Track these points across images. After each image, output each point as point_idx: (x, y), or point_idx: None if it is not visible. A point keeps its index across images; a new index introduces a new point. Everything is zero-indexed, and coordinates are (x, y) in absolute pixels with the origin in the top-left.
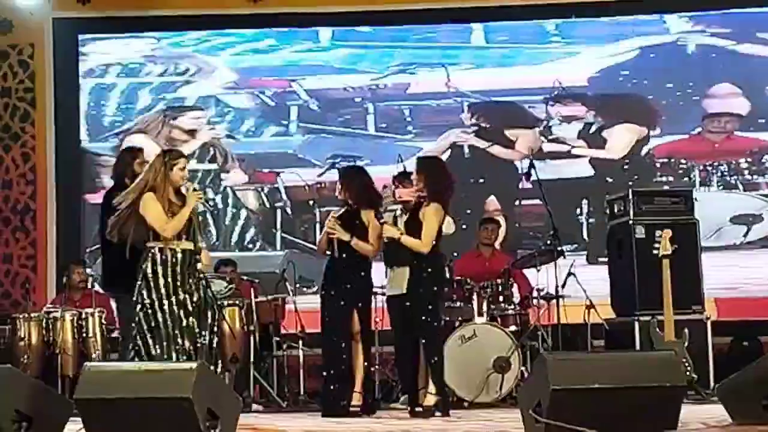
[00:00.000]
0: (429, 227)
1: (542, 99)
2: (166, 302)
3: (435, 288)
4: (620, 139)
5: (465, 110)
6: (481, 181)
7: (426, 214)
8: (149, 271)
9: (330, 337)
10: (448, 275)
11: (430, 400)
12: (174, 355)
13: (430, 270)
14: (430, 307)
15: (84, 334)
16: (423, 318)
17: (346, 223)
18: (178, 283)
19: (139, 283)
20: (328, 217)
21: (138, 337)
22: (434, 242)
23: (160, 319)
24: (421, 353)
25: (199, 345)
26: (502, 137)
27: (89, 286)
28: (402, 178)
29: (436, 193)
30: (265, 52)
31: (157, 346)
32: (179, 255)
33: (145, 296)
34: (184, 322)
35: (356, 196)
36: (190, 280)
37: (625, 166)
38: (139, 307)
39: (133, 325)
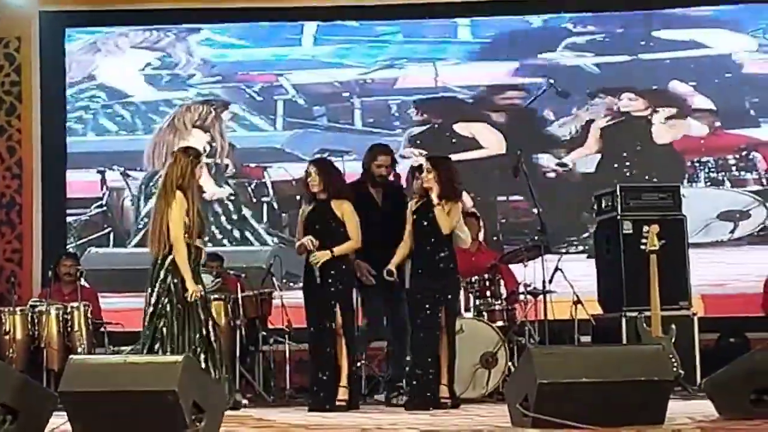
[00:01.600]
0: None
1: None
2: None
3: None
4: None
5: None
6: None
7: (452, 210)
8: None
9: (316, 333)
10: None
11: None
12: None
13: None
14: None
15: (69, 328)
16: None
17: (321, 223)
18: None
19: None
20: (306, 240)
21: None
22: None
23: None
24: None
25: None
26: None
27: (78, 280)
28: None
29: (453, 191)
30: (252, 46)
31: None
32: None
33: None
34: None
35: (336, 187)
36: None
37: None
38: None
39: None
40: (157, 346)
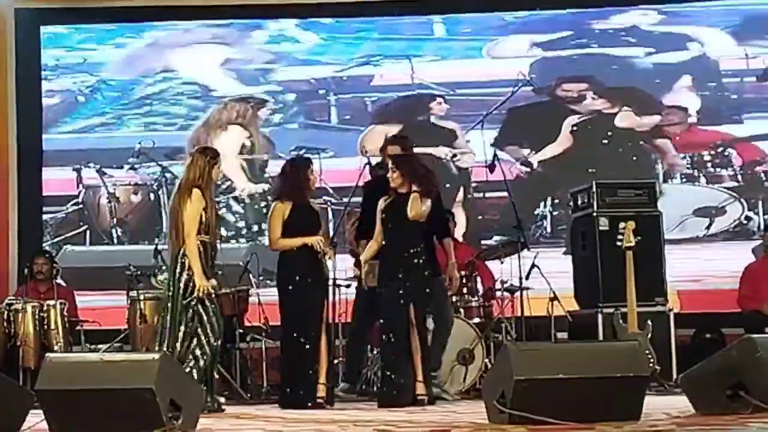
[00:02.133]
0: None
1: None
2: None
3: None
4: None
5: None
6: None
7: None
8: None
9: (296, 331)
10: None
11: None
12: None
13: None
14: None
15: (46, 326)
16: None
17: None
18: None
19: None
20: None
21: None
22: None
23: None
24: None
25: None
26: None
27: (54, 278)
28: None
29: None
30: (230, 43)
31: None
32: (200, 247)
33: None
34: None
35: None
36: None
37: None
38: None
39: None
40: (161, 339)
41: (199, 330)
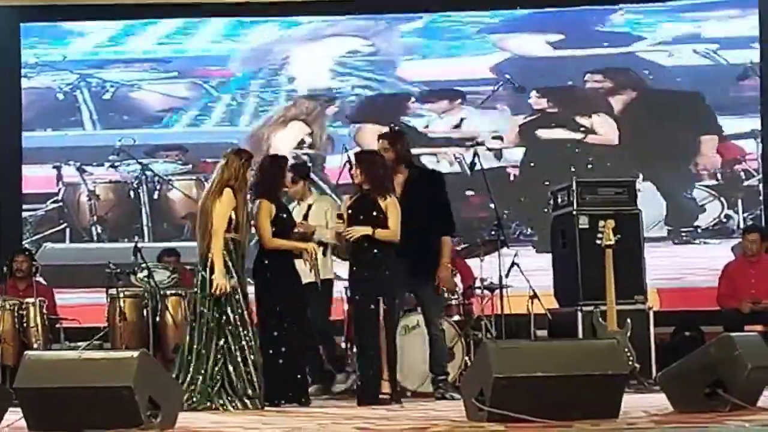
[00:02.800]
0: (395, 219)
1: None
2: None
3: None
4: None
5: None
6: None
7: (389, 206)
8: None
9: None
10: None
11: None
12: None
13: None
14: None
15: (25, 324)
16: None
17: (288, 220)
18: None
19: None
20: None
21: None
22: None
23: None
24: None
25: None
26: None
27: (33, 276)
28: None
29: (382, 187)
30: (210, 41)
31: None
32: (230, 245)
33: None
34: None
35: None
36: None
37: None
38: None
39: None
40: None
41: (227, 327)
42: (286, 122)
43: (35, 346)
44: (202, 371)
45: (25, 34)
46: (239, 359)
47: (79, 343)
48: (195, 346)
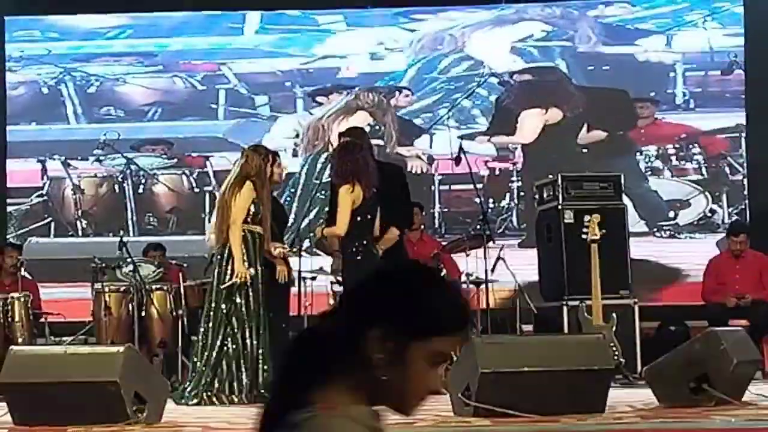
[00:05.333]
0: (340, 210)
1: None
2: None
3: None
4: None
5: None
6: None
7: (340, 197)
8: None
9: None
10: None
11: None
12: None
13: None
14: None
15: (9, 319)
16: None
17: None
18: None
19: None
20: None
21: None
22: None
23: None
24: None
25: None
26: None
27: (18, 271)
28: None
29: (339, 176)
30: (194, 35)
31: None
32: (248, 236)
33: None
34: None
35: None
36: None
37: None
38: None
39: None
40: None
41: (234, 317)
42: (349, 113)
43: (20, 340)
44: (206, 362)
45: (10, 28)
46: (239, 353)
47: (64, 338)
48: (204, 338)
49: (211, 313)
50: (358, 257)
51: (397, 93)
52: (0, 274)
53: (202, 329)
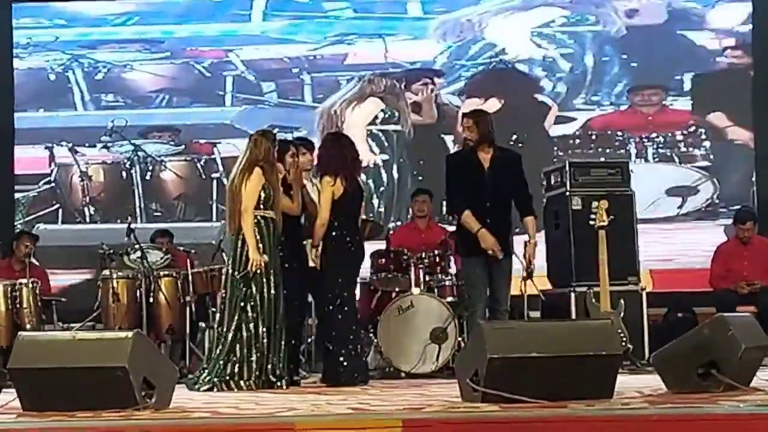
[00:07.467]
0: (321, 203)
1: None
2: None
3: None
4: None
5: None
6: None
7: (322, 189)
8: None
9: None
10: (384, 246)
11: None
12: None
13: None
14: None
15: (18, 305)
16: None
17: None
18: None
19: None
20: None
21: None
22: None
23: None
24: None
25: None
26: None
27: (28, 258)
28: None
29: (321, 166)
30: (202, 21)
31: None
32: (261, 222)
33: None
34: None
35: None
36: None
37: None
38: None
39: None
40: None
41: (249, 304)
42: (363, 99)
43: (28, 326)
44: (221, 350)
45: (17, 15)
46: (251, 339)
47: (72, 324)
48: (220, 326)
49: (227, 301)
50: (334, 250)
51: (433, 77)
52: (10, 261)
53: (218, 317)
